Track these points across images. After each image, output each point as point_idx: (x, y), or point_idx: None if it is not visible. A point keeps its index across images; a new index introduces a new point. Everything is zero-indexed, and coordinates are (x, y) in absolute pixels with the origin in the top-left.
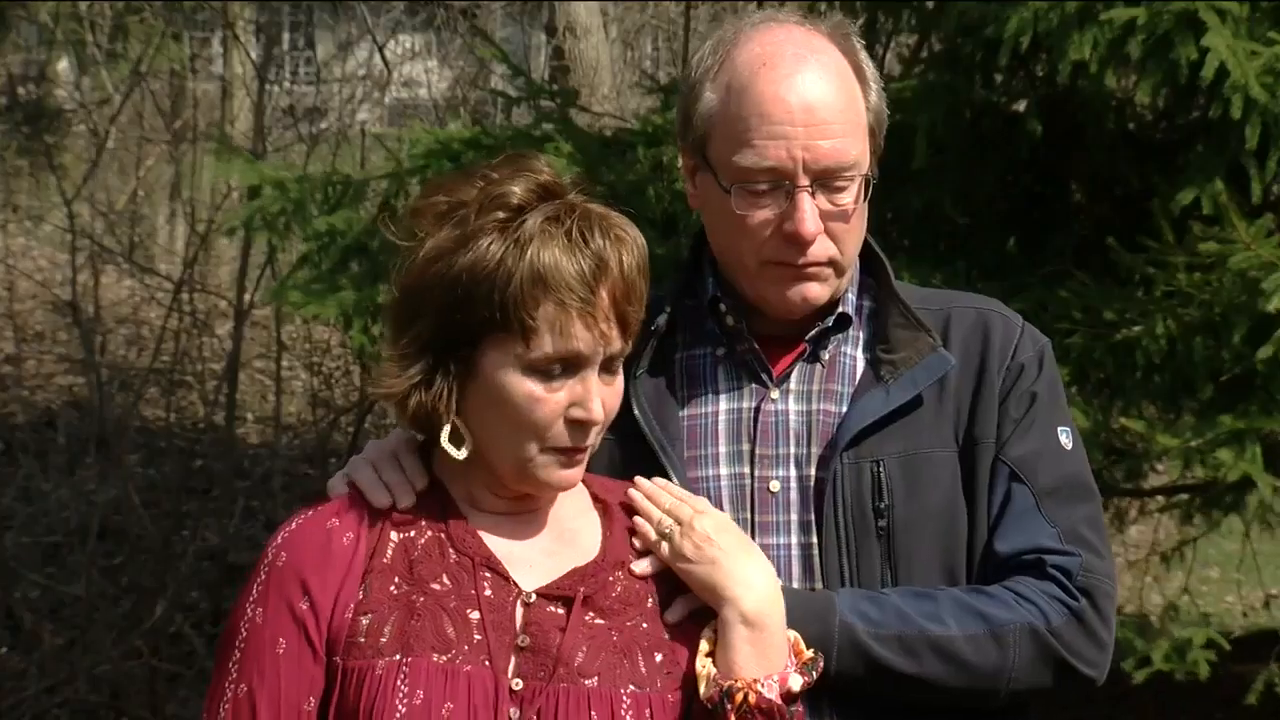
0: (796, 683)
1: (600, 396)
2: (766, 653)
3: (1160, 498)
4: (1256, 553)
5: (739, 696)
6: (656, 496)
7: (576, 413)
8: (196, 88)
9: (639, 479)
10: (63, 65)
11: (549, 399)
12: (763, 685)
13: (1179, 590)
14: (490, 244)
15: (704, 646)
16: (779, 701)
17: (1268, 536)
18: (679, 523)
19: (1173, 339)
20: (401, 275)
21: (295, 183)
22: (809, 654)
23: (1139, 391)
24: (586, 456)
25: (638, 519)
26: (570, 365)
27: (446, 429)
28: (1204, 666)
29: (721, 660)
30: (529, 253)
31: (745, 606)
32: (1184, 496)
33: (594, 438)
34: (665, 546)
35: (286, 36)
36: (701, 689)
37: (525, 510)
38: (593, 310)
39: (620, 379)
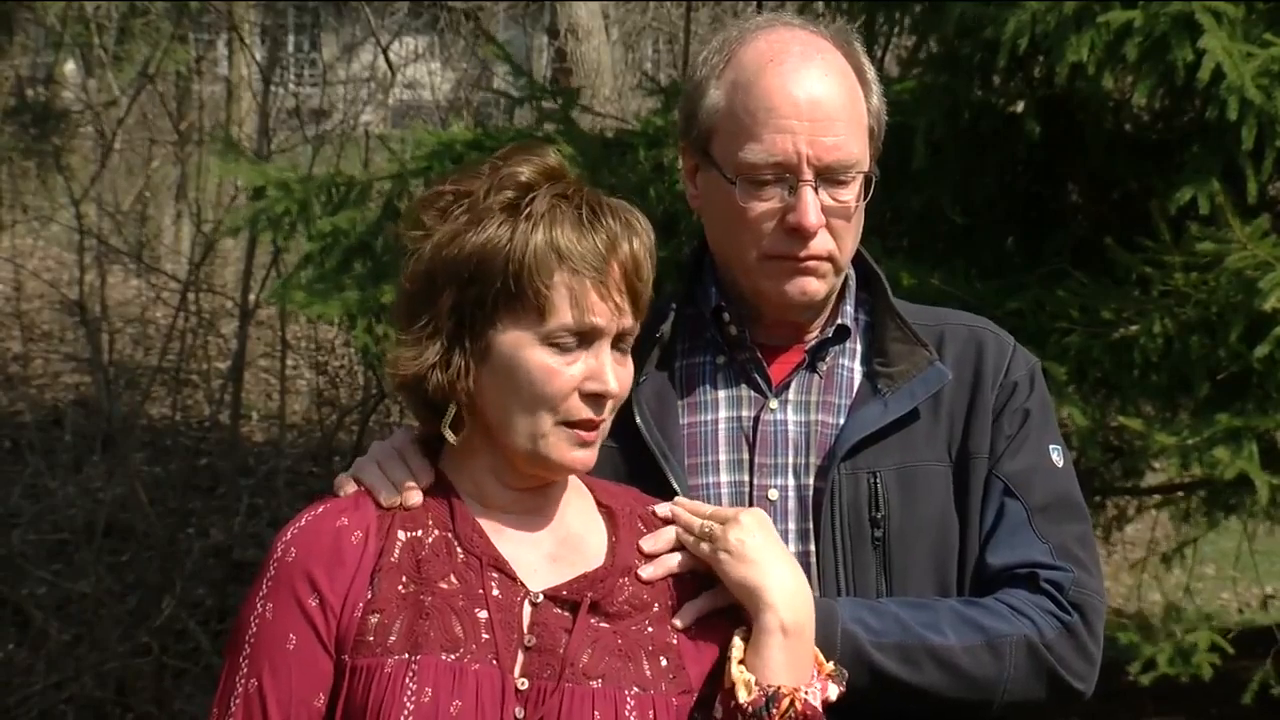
0: (834, 693)
1: (614, 372)
2: (799, 662)
3: (1157, 496)
4: (1254, 550)
5: (785, 702)
6: (698, 508)
7: (592, 385)
8: (202, 90)
9: (679, 498)
10: (70, 67)
11: (564, 371)
12: (806, 692)
13: (1177, 588)
14: (501, 222)
15: (735, 654)
16: (820, 710)
17: (1265, 533)
18: (723, 523)
19: (1170, 338)
20: (411, 264)
21: (299, 184)
22: (830, 666)
23: (1136, 390)
24: (598, 439)
25: (678, 529)
26: (585, 338)
27: (449, 415)
28: (1207, 669)
29: (753, 666)
30: (543, 226)
31: (785, 616)
32: (1181, 495)
33: (608, 413)
34: (705, 546)
35: (291, 39)
36: (742, 695)
37: (531, 507)
38: (605, 282)
39: (631, 361)
